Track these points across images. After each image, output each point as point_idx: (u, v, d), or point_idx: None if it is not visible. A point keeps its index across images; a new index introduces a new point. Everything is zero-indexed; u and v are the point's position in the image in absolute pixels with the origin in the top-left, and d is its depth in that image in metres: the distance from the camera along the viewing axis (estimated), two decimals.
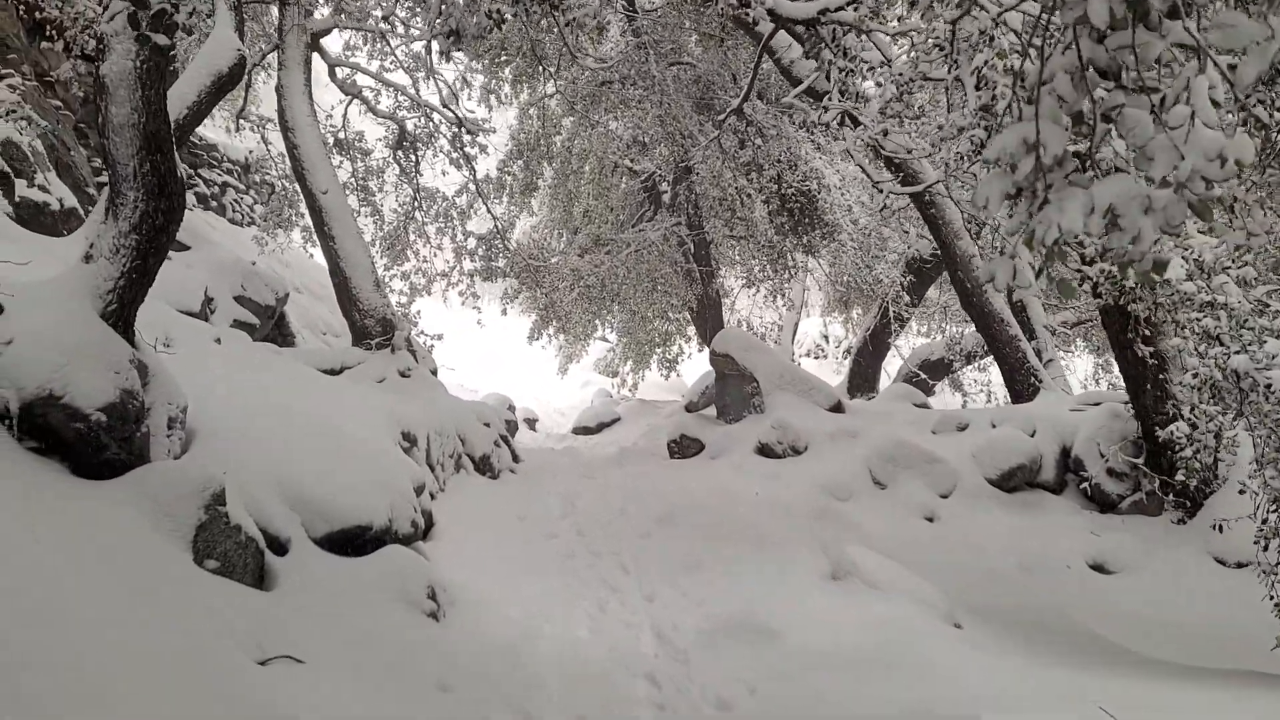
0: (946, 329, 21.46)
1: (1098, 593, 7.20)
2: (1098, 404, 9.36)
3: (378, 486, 5.24)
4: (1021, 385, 10.45)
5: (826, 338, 29.32)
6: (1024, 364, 10.45)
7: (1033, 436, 9.03)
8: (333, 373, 9.94)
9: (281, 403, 5.89)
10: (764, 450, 9.82)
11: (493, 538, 7.25)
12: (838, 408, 10.75)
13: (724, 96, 16.06)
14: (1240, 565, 7.41)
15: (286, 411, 5.72)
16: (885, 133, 5.34)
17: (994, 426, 9.34)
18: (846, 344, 29.04)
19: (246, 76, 12.44)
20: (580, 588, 6.25)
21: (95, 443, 4.16)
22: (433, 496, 7.76)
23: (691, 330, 21.54)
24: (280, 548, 4.67)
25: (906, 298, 16.60)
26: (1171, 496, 8.02)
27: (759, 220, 15.57)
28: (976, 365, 17.32)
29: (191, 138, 15.23)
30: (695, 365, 23.82)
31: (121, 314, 4.50)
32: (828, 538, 6.72)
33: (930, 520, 8.37)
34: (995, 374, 16.79)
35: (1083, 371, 19.25)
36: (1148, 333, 7.77)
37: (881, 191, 7.07)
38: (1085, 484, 8.41)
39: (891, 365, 21.84)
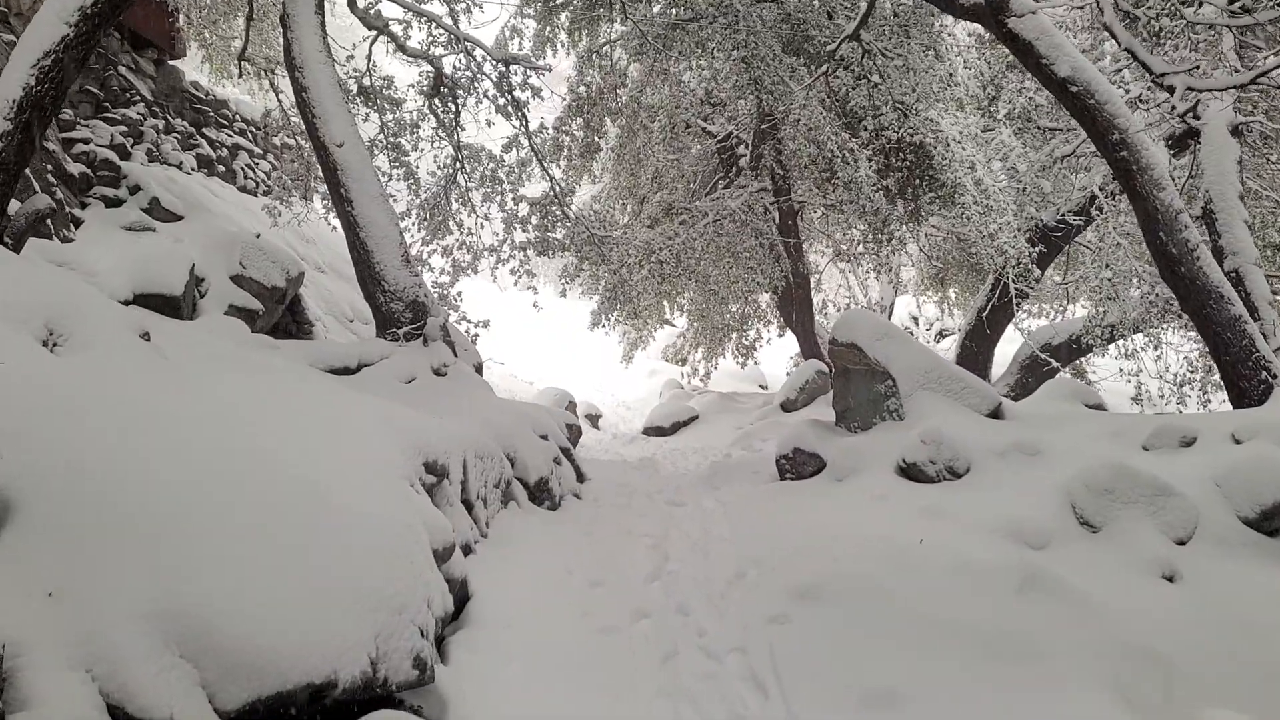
0: (1067, 309, 18.82)
1: None
2: None
3: (356, 599, 2.96)
4: (1248, 382, 7.87)
5: (916, 319, 26.70)
6: (1252, 353, 7.86)
7: None
8: (346, 373, 7.75)
9: (216, 441, 3.61)
10: (910, 472, 7.40)
11: (553, 621, 4.95)
12: (997, 413, 8.28)
13: (819, 38, 13.59)
14: None
15: (223, 457, 3.45)
16: None
17: (1237, 441, 6.81)
18: (939, 325, 26.45)
19: (247, 7, 10.26)
20: None
21: None
22: (468, 552, 5.50)
23: (772, 312, 19.14)
24: None
25: (1037, 271, 13.94)
26: None
27: (863, 182, 13.04)
28: (1120, 349, 14.63)
29: (197, 92, 13.14)
30: (775, 351, 21.41)
31: None
32: (1090, 641, 4.31)
33: (1170, 580, 5.87)
34: (1148, 360, 14.15)
35: None
36: None
37: (1165, 88, 4.62)
38: None
39: (998, 351, 19.24)
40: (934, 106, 13.37)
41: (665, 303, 17.88)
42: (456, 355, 8.73)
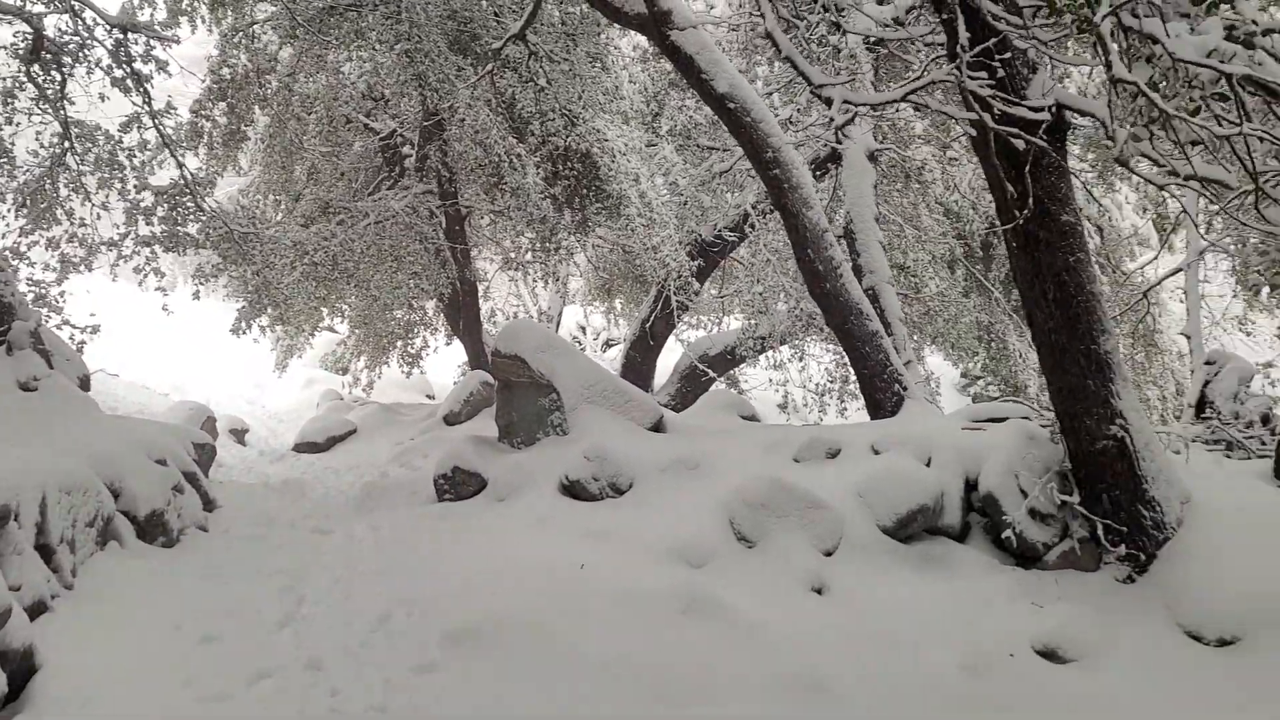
0: (723, 322, 19.74)
1: (1078, 702, 5.07)
2: (998, 420, 7.42)
3: None
4: (883, 394, 8.39)
5: (584, 328, 27.06)
6: (886, 367, 8.37)
7: (928, 466, 6.92)
8: None
9: None
10: (573, 490, 7.12)
11: (145, 693, 4.09)
12: (659, 426, 8.24)
13: (486, 38, 13.18)
14: (1224, 643, 5.55)
15: None
16: None
17: (876, 452, 7.15)
18: (606, 335, 26.97)
19: None
20: None
21: None
22: (41, 611, 4.47)
23: (439, 319, 18.47)
24: None
25: (696, 284, 14.39)
26: (1124, 548, 6.12)
27: (531, 189, 12.78)
28: (769, 360, 15.46)
29: None
30: (444, 359, 20.72)
31: None
32: (747, 668, 4.15)
33: (819, 592, 5.99)
34: (794, 370, 15.03)
35: None
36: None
37: (823, 99, 4.60)
38: (1007, 529, 6.35)
39: (661, 361, 19.83)
40: (601, 117, 13.39)
41: (324, 308, 16.68)
42: (52, 366, 7.37)
